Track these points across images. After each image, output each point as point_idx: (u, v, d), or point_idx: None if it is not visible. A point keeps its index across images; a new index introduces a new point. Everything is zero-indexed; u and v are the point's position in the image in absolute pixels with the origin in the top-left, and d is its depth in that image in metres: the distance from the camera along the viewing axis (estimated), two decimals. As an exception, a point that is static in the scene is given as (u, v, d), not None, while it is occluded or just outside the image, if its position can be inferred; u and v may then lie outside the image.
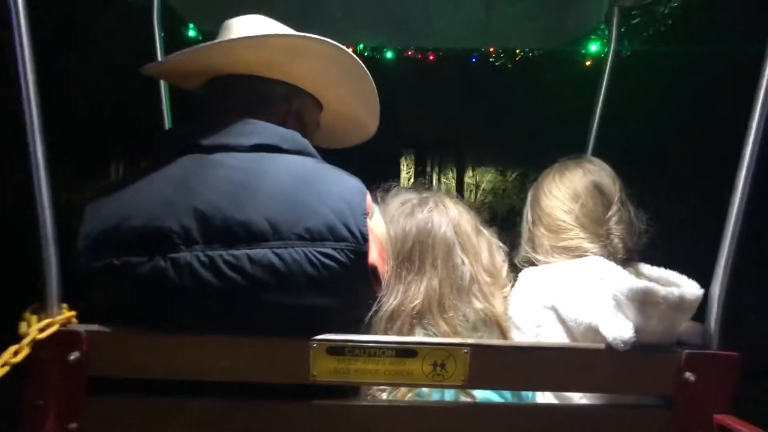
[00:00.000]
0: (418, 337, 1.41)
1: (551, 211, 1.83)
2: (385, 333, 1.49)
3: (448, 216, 1.63)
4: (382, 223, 1.55)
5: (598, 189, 1.79)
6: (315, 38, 1.53)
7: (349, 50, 1.57)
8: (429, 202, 1.65)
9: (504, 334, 1.57)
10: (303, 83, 1.61)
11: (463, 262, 1.59)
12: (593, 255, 1.73)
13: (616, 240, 1.73)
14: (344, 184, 1.44)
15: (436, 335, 1.49)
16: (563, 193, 1.81)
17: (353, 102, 1.73)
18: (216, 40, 1.53)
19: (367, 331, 1.47)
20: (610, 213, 1.77)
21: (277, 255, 1.30)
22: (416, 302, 1.52)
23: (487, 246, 1.68)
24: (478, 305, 1.56)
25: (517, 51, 4.03)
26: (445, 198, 1.69)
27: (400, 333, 1.50)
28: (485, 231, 1.70)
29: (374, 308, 1.50)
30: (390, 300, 1.52)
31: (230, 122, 1.47)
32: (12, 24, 1.22)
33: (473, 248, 1.63)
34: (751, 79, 1.40)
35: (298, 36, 1.52)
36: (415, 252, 1.57)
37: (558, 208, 1.81)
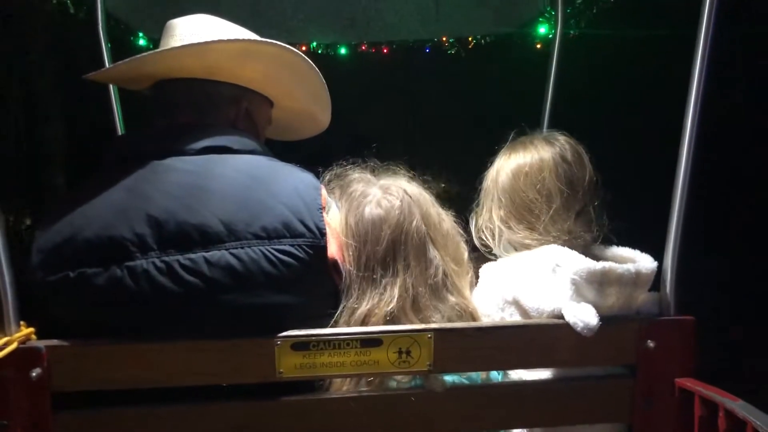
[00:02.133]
0: (381, 326, 1.41)
1: (513, 198, 1.73)
2: None
3: (417, 206, 1.58)
4: (339, 216, 1.56)
5: (568, 185, 1.69)
6: (259, 41, 1.53)
7: (295, 49, 1.57)
8: (396, 192, 1.59)
9: None
10: (251, 84, 1.61)
11: (435, 257, 1.56)
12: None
13: (580, 240, 1.71)
14: (298, 179, 1.45)
15: None
16: (526, 185, 1.71)
17: (304, 98, 1.73)
18: (159, 49, 1.51)
19: None
20: (580, 214, 1.70)
21: (235, 256, 1.30)
22: (391, 305, 1.48)
23: (451, 232, 1.66)
24: (452, 300, 1.55)
25: (470, 39, 4.07)
26: (404, 182, 1.64)
27: None
28: (444, 213, 1.67)
29: (346, 311, 1.49)
30: (364, 305, 1.49)
31: (179, 127, 1.47)
32: None
33: (443, 238, 1.61)
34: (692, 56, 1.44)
35: (242, 40, 1.52)
36: (389, 253, 1.52)
37: (521, 200, 1.72)
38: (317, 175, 1.53)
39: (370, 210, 1.55)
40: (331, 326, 1.45)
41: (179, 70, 1.51)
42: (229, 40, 1.51)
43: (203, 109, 1.53)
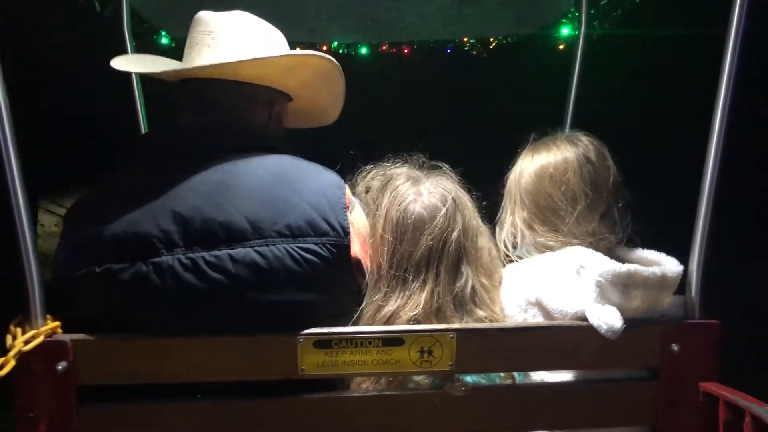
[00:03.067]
0: (404, 326, 1.41)
1: (536, 200, 1.72)
2: None
3: (461, 214, 1.56)
4: (364, 216, 1.56)
5: (593, 187, 1.67)
6: (316, 54, 1.54)
7: (333, 59, 1.58)
8: (443, 197, 1.56)
9: None
10: (285, 87, 1.62)
11: (466, 271, 1.54)
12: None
13: (604, 242, 1.69)
14: (322, 178, 1.45)
15: None
16: (551, 186, 1.69)
17: (325, 99, 1.74)
18: (222, 61, 1.46)
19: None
20: (604, 216, 1.68)
21: (259, 253, 1.31)
22: (416, 311, 1.47)
23: (487, 245, 1.65)
24: (480, 313, 1.53)
25: (491, 39, 4.05)
26: (451, 186, 1.61)
27: None
28: (483, 227, 1.66)
29: (371, 308, 1.49)
30: (390, 304, 1.48)
31: (207, 125, 1.48)
32: None
33: (477, 252, 1.59)
34: (719, 57, 1.43)
35: (303, 54, 1.53)
36: (423, 260, 1.51)
37: (546, 202, 1.70)
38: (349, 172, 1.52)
39: (415, 209, 1.54)
40: (356, 319, 1.46)
41: (227, 74, 1.50)
42: (292, 54, 1.53)
43: (240, 110, 1.53)
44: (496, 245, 1.72)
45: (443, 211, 1.53)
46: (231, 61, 1.46)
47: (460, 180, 1.66)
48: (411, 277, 1.50)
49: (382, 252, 1.52)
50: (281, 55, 1.52)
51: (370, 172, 1.66)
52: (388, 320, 1.47)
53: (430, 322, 1.47)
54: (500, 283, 1.66)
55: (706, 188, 1.44)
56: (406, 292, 1.50)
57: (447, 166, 1.68)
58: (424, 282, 1.50)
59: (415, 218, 1.53)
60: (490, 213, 1.75)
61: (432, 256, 1.51)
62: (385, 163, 1.68)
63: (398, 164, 1.67)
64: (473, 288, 1.54)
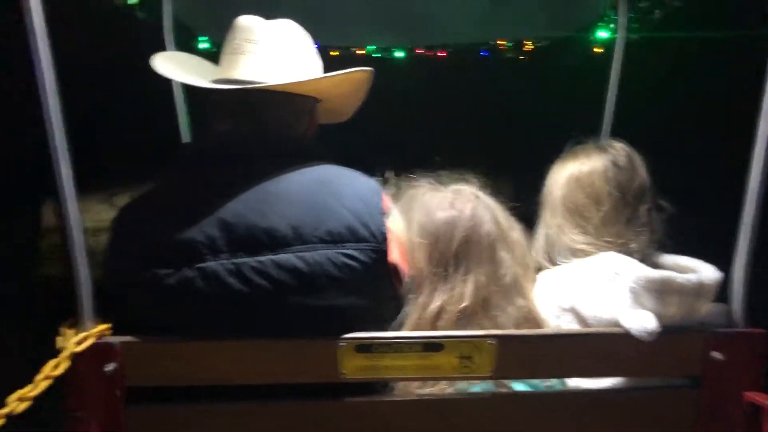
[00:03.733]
0: (444, 331, 1.42)
1: (566, 204, 1.76)
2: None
3: (488, 210, 1.60)
4: (401, 222, 1.57)
5: (617, 188, 1.70)
6: (364, 70, 1.59)
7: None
8: (468, 196, 1.62)
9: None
10: (324, 96, 1.64)
11: (505, 258, 1.57)
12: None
13: (634, 245, 1.69)
14: (361, 185, 1.47)
15: None
16: (577, 189, 1.74)
17: (352, 102, 1.76)
18: (293, 80, 1.49)
19: (408, 330, 1.49)
20: (631, 219, 1.69)
21: (301, 258, 1.33)
22: (464, 303, 1.50)
23: (519, 239, 1.66)
24: (521, 302, 1.55)
25: (527, 42, 4.03)
26: (481, 194, 1.66)
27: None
28: (513, 221, 1.68)
29: (417, 307, 1.51)
30: (435, 300, 1.51)
31: (250, 132, 1.51)
32: (33, 51, 1.25)
33: (512, 243, 1.62)
34: (763, 60, 1.41)
35: (355, 71, 1.57)
36: (461, 251, 1.54)
37: (573, 204, 1.74)
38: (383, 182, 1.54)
39: (443, 211, 1.58)
40: (402, 322, 1.48)
41: (282, 87, 1.51)
42: (350, 72, 1.56)
43: (284, 119, 1.55)
44: (528, 246, 1.72)
45: (470, 206, 1.58)
46: (302, 80, 1.50)
47: (485, 186, 1.70)
48: (451, 270, 1.53)
49: (418, 258, 1.55)
50: (340, 73, 1.55)
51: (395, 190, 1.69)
52: (436, 317, 1.49)
53: (478, 316, 1.49)
54: (533, 280, 1.68)
55: (751, 194, 1.42)
56: (449, 285, 1.52)
57: (470, 175, 1.71)
58: (466, 272, 1.53)
59: (445, 217, 1.57)
60: (522, 217, 1.76)
61: (469, 247, 1.54)
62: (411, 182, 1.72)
63: (416, 180, 1.71)
64: (514, 276, 1.57)
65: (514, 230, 1.65)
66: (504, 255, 1.57)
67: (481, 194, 1.64)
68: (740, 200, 1.44)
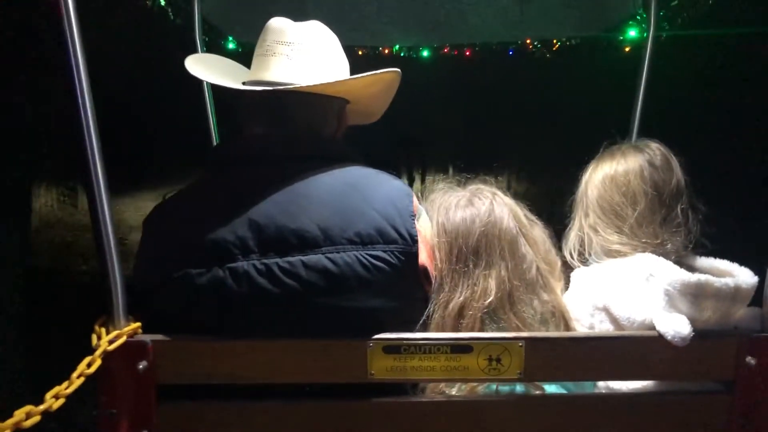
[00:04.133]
0: (473, 333, 1.42)
1: (601, 204, 1.75)
2: (455, 329, 1.49)
3: (506, 206, 1.62)
4: (430, 224, 1.57)
5: (653, 188, 1.68)
6: (392, 71, 1.59)
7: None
8: (485, 194, 1.64)
9: (569, 326, 1.57)
10: (355, 98, 1.64)
11: (528, 253, 1.58)
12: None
13: (670, 246, 1.68)
14: (390, 187, 1.47)
15: (506, 330, 1.49)
16: (612, 189, 1.73)
17: (381, 104, 1.76)
18: (324, 81, 1.50)
19: (432, 330, 1.50)
20: (667, 219, 1.68)
21: (330, 260, 1.34)
22: (489, 298, 1.50)
23: (542, 236, 1.67)
24: (545, 297, 1.56)
25: (554, 41, 4.00)
26: (497, 191, 1.68)
27: (471, 329, 1.49)
28: (535, 219, 1.69)
29: (439, 305, 1.51)
30: (457, 297, 1.52)
31: (281, 134, 1.51)
32: (67, 49, 1.27)
33: (533, 239, 1.63)
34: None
35: (384, 72, 1.57)
36: (481, 245, 1.55)
37: (607, 203, 1.73)
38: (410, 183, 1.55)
39: (461, 209, 1.60)
40: (426, 321, 1.48)
41: (313, 89, 1.51)
42: (380, 73, 1.56)
43: (315, 121, 1.56)
44: (553, 244, 1.72)
45: (488, 203, 1.60)
46: (331, 81, 1.50)
47: (502, 187, 1.71)
48: (472, 265, 1.54)
49: (439, 256, 1.56)
50: (369, 75, 1.55)
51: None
52: (459, 313, 1.50)
53: (503, 309, 1.50)
54: (560, 274, 1.68)
55: None
56: (471, 280, 1.53)
57: (488, 178, 1.73)
58: (488, 267, 1.54)
59: (464, 215, 1.59)
60: (551, 216, 1.76)
61: (489, 241, 1.55)
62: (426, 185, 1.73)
63: (438, 187, 1.73)
64: (538, 269, 1.58)
65: (536, 228, 1.66)
66: (526, 250, 1.58)
67: (498, 192, 1.66)
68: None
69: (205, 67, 1.62)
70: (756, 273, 1.50)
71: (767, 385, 1.39)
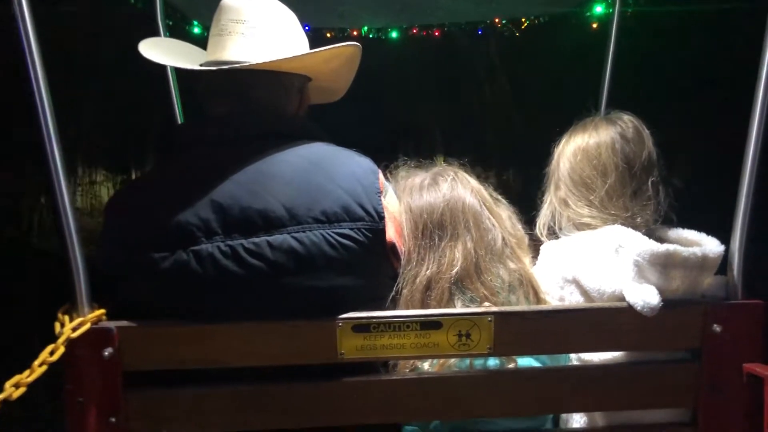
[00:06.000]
0: (442, 309, 1.42)
1: (572, 176, 1.74)
2: (423, 303, 1.49)
3: (469, 183, 1.65)
4: (397, 201, 1.57)
5: (624, 160, 1.68)
6: (352, 45, 1.58)
7: (360, 45, 1.59)
8: (448, 173, 1.66)
9: (537, 293, 1.59)
10: (316, 74, 1.63)
11: (493, 224, 1.60)
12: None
13: (639, 219, 1.69)
14: (356, 164, 1.46)
15: (475, 299, 1.50)
16: (583, 161, 1.72)
17: (343, 80, 1.75)
18: (277, 58, 1.48)
19: (401, 306, 1.50)
20: (637, 192, 1.68)
21: (296, 239, 1.33)
22: (455, 268, 1.52)
23: (507, 214, 1.69)
24: (512, 266, 1.58)
25: (523, 20, 4.00)
26: (460, 171, 1.70)
27: (439, 301, 1.49)
28: (502, 200, 1.71)
29: (407, 281, 1.52)
30: (424, 270, 1.52)
31: (242, 113, 1.49)
32: (19, 29, 1.24)
33: (498, 214, 1.65)
34: (759, 33, 1.39)
35: (343, 46, 1.56)
36: (445, 218, 1.57)
37: (578, 176, 1.73)
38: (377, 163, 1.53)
39: (425, 188, 1.62)
40: (395, 295, 1.48)
41: (270, 66, 1.49)
42: (338, 47, 1.55)
43: (276, 99, 1.54)
44: (520, 220, 1.74)
45: (449, 178, 1.64)
46: (288, 56, 1.48)
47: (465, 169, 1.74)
48: (438, 239, 1.56)
49: (406, 234, 1.57)
50: (326, 49, 1.53)
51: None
52: (427, 286, 1.50)
53: (470, 278, 1.51)
54: (528, 252, 1.69)
55: (748, 166, 1.41)
56: (438, 253, 1.55)
57: (450, 162, 1.75)
58: (453, 239, 1.56)
59: (427, 193, 1.61)
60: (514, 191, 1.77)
61: (453, 214, 1.58)
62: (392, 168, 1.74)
63: (401, 170, 1.74)
64: (504, 240, 1.60)
65: (501, 205, 1.69)
66: (490, 223, 1.60)
67: (460, 172, 1.68)
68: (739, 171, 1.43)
69: (161, 51, 1.59)
70: (722, 242, 1.51)
71: (733, 351, 1.41)
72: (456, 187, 1.62)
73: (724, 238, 1.50)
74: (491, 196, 1.69)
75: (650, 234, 1.62)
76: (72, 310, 1.32)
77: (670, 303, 1.41)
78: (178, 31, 3.11)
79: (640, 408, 1.50)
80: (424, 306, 1.48)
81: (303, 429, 1.42)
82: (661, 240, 1.56)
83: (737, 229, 1.43)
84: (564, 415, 1.65)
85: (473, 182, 1.67)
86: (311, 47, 1.61)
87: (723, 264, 1.49)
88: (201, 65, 1.54)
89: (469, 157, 1.75)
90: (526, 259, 1.64)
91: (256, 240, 1.32)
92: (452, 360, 1.47)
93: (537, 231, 1.81)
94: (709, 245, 1.52)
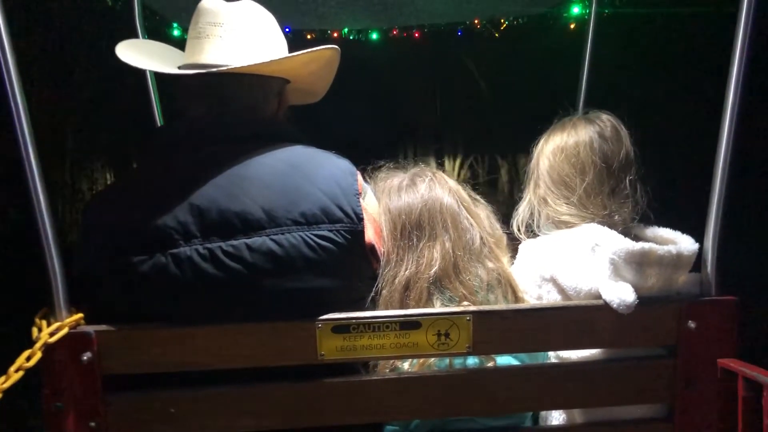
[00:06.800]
0: (421, 309, 1.43)
1: (551, 174, 1.76)
2: (403, 303, 1.50)
3: (447, 184, 1.66)
4: (376, 202, 1.57)
5: (602, 159, 1.70)
6: (330, 48, 1.58)
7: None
8: (426, 174, 1.67)
9: (516, 292, 1.60)
10: (295, 77, 1.63)
11: (471, 224, 1.61)
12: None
13: (617, 218, 1.71)
14: (334, 166, 1.46)
15: (453, 299, 1.51)
16: (562, 159, 1.74)
17: (322, 82, 1.75)
18: (258, 62, 1.48)
19: (380, 306, 1.50)
20: (615, 190, 1.70)
21: (275, 241, 1.33)
22: (434, 268, 1.52)
23: (486, 214, 1.70)
24: (491, 265, 1.59)
25: (502, 21, 4.03)
26: (438, 172, 1.71)
27: (418, 301, 1.50)
28: (478, 197, 1.73)
29: (386, 281, 1.52)
30: (403, 271, 1.53)
31: (219, 117, 1.49)
32: None
33: (476, 214, 1.66)
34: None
35: (322, 49, 1.56)
36: (423, 219, 1.58)
37: (557, 174, 1.74)
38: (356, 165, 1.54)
39: (404, 189, 1.63)
40: (374, 296, 1.49)
41: (249, 69, 1.49)
42: (317, 50, 1.54)
43: (254, 102, 1.54)
44: (497, 221, 1.75)
45: (427, 179, 1.65)
46: (266, 60, 1.48)
47: (443, 169, 1.73)
48: (416, 239, 1.56)
49: (385, 235, 1.58)
50: (305, 52, 1.53)
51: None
52: (406, 286, 1.51)
53: (450, 280, 1.52)
54: (506, 251, 1.70)
55: (720, 164, 1.43)
56: (416, 254, 1.55)
57: (428, 163, 1.74)
58: (431, 239, 1.56)
59: (406, 194, 1.62)
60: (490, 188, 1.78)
61: (431, 215, 1.59)
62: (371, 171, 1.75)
63: (382, 171, 1.75)
64: (482, 239, 1.61)
65: (480, 205, 1.70)
66: (469, 223, 1.62)
67: (438, 173, 1.70)
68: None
69: (139, 53, 1.58)
70: (698, 240, 1.54)
71: (707, 347, 1.43)
72: (434, 187, 1.63)
73: (700, 236, 1.52)
74: (470, 195, 1.70)
75: (627, 232, 1.65)
76: (50, 315, 1.32)
77: (645, 300, 1.43)
78: (158, 33, 3.09)
79: (617, 404, 1.51)
80: (403, 306, 1.49)
81: (285, 430, 1.42)
82: (637, 238, 1.58)
83: (710, 226, 1.45)
84: (543, 413, 1.67)
85: (451, 182, 1.68)
86: (291, 49, 1.61)
87: (697, 261, 1.51)
88: (179, 67, 1.54)
89: (448, 155, 1.76)
90: (505, 259, 1.66)
91: (235, 242, 1.32)
92: (432, 359, 1.48)
93: (514, 228, 1.82)
94: (684, 243, 1.55)
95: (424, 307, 1.48)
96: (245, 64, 1.47)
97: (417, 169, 1.71)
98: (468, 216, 1.63)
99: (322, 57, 1.59)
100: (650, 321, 1.44)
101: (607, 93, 2.36)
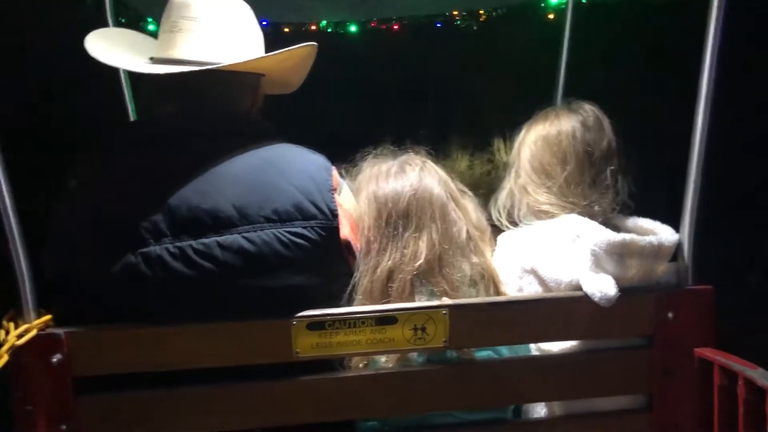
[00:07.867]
0: (396, 304, 1.42)
1: (532, 163, 1.75)
2: (384, 295, 1.46)
3: (437, 174, 1.62)
4: (352, 197, 1.55)
5: (584, 149, 1.69)
6: (309, 45, 1.55)
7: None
8: (415, 161, 1.63)
9: (498, 286, 1.58)
10: (270, 72, 1.60)
11: (458, 217, 1.59)
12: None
13: (597, 208, 1.71)
14: (308, 161, 1.44)
15: (434, 293, 1.48)
16: (544, 148, 1.73)
17: (297, 76, 1.72)
18: (238, 61, 1.45)
19: (360, 296, 1.48)
20: (596, 180, 1.69)
21: (247, 239, 1.31)
22: (420, 261, 1.49)
23: (472, 204, 1.68)
24: (475, 260, 1.56)
25: (481, 12, 4.02)
26: (427, 159, 1.68)
27: (400, 293, 1.47)
28: (465, 189, 1.70)
29: (367, 271, 1.49)
30: (386, 261, 1.49)
31: (192, 112, 1.46)
32: None
33: (464, 205, 1.63)
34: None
35: (301, 47, 1.53)
36: (411, 208, 1.53)
37: (539, 163, 1.73)
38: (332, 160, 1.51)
39: (392, 176, 1.58)
40: (354, 287, 1.46)
41: (226, 66, 1.46)
42: (296, 48, 1.52)
43: (229, 97, 1.51)
44: (484, 213, 1.73)
45: (417, 169, 1.59)
46: (240, 61, 1.45)
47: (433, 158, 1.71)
48: (402, 228, 1.52)
49: (368, 222, 1.54)
50: (282, 51, 1.51)
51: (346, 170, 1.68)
52: (389, 277, 1.47)
53: (434, 273, 1.49)
54: (491, 245, 1.68)
55: (696, 154, 1.43)
56: (401, 243, 1.51)
57: (418, 151, 1.71)
58: (418, 230, 1.52)
59: (394, 180, 1.57)
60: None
61: (420, 204, 1.54)
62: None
63: (369, 158, 1.70)
64: (468, 233, 1.58)
65: (466, 197, 1.66)
66: (456, 215, 1.58)
67: (428, 161, 1.65)
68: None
69: (110, 44, 1.55)
70: (677, 230, 1.54)
71: (685, 336, 1.44)
72: (424, 176, 1.58)
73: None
74: (457, 187, 1.67)
75: (607, 222, 1.64)
76: (18, 317, 1.29)
77: (624, 291, 1.42)
78: (132, 28, 3.04)
79: (596, 395, 1.52)
80: (384, 297, 1.46)
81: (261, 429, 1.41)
82: (617, 228, 1.57)
83: (686, 216, 1.46)
84: (525, 407, 1.66)
85: (441, 172, 1.65)
86: (268, 42, 1.59)
87: (676, 251, 1.52)
88: (151, 58, 1.51)
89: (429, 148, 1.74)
90: (488, 253, 1.64)
91: (206, 241, 1.30)
92: (410, 354, 1.47)
93: (493, 217, 1.81)
94: (664, 234, 1.55)
95: (406, 300, 1.45)
96: (219, 60, 1.44)
97: (406, 156, 1.66)
98: (456, 208, 1.59)
99: (299, 54, 1.57)
100: (629, 311, 1.44)
101: (585, 82, 2.35)
